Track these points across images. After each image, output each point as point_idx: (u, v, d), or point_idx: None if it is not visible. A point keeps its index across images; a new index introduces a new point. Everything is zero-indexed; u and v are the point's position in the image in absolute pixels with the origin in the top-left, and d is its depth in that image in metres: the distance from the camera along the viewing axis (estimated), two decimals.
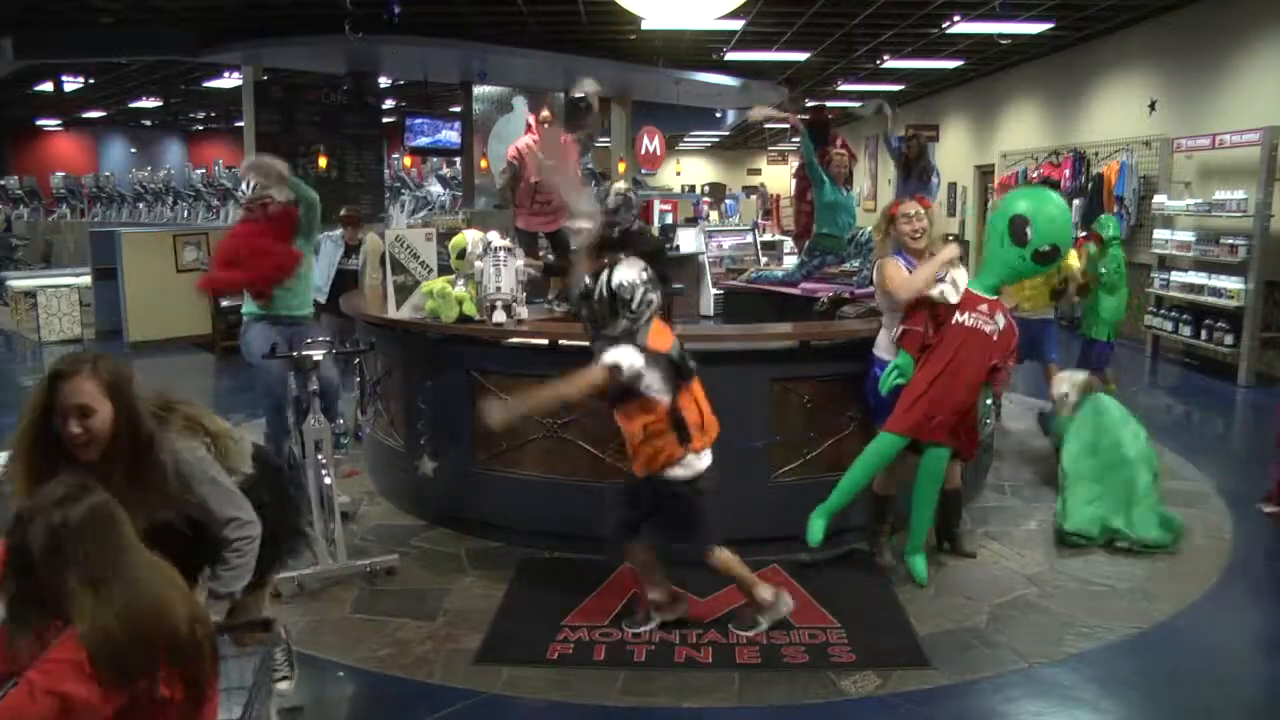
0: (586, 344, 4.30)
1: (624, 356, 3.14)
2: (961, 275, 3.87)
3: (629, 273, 3.18)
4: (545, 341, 4.31)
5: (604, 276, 3.19)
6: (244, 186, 4.71)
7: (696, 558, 3.37)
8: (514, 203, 6.29)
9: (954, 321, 3.80)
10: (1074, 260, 5.88)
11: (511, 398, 3.51)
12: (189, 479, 2.39)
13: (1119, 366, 6.67)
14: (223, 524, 2.45)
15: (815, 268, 5.74)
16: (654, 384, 3.18)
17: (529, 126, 6.16)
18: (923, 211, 4.03)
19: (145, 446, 2.25)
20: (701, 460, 3.29)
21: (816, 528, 3.90)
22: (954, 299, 3.81)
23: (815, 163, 5.51)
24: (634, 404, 3.21)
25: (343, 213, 7.07)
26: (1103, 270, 6.11)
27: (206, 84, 14.93)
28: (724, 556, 3.38)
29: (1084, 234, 9.90)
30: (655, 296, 3.23)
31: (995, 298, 3.88)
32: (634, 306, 3.17)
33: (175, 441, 2.39)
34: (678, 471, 3.25)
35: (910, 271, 3.95)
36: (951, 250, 3.91)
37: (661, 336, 3.26)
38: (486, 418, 3.33)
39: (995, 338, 3.82)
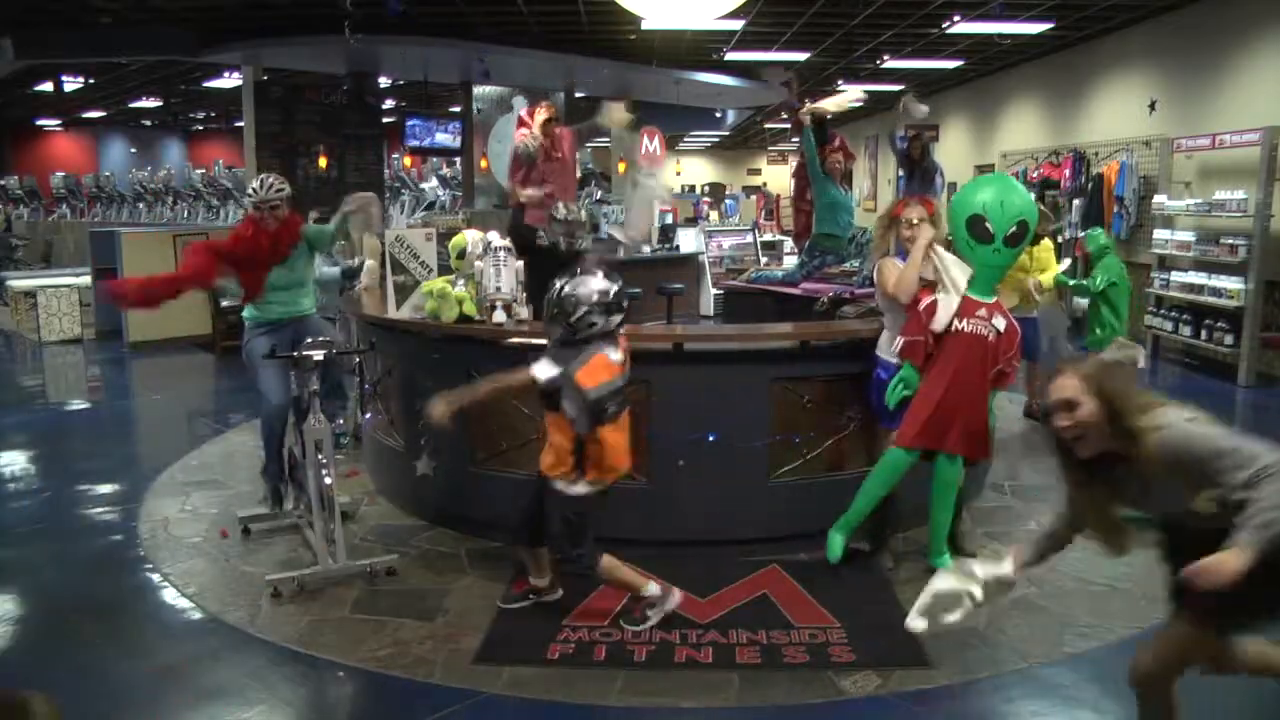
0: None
1: (539, 370, 3.26)
2: (954, 267, 3.86)
3: (583, 288, 3.24)
4: (545, 341, 4.30)
5: (561, 282, 3.27)
6: (255, 186, 4.52)
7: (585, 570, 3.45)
8: (514, 193, 6.26)
9: (953, 329, 3.78)
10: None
11: (451, 392, 3.47)
12: (1181, 449, 2.20)
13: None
14: (1240, 475, 2.12)
15: (815, 268, 5.74)
16: (570, 411, 3.22)
17: (521, 121, 6.09)
18: (927, 217, 3.99)
19: (1127, 437, 2.26)
20: (581, 488, 3.36)
21: (836, 543, 3.97)
22: (957, 295, 3.81)
23: (816, 161, 5.50)
24: (557, 415, 3.30)
25: (313, 216, 6.74)
26: (1090, 281, 6.10)
27: (206, 84, 14.94)
28: (607, 564, 3.45)
29: (1083, 234, 9.95)
30: (601, 321, 3.25)
31: (993, 300, 3.87)
32: (572, 320, 3.23)
33: (1161, 418, 2.24)
34: (561, 485, 3.36)
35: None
36: (926, 233, 3.88)
37: (594, 372, 3.20)
38: (430, 413, 3.34)
39: (996, 341, 3.81)
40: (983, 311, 3.80)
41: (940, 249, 3.91)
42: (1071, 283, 6.23)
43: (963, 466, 3.95)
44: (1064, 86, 11.85)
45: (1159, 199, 9.18)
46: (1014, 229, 3.74)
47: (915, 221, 3.96)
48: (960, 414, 3.79)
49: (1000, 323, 3.83)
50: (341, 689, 3.26)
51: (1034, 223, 3.89)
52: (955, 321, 3.78)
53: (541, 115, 5.96)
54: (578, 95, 14.32)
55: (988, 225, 3.72)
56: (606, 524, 4.11)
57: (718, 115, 18.59)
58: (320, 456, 3.97)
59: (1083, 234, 6.67)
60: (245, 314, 4.69)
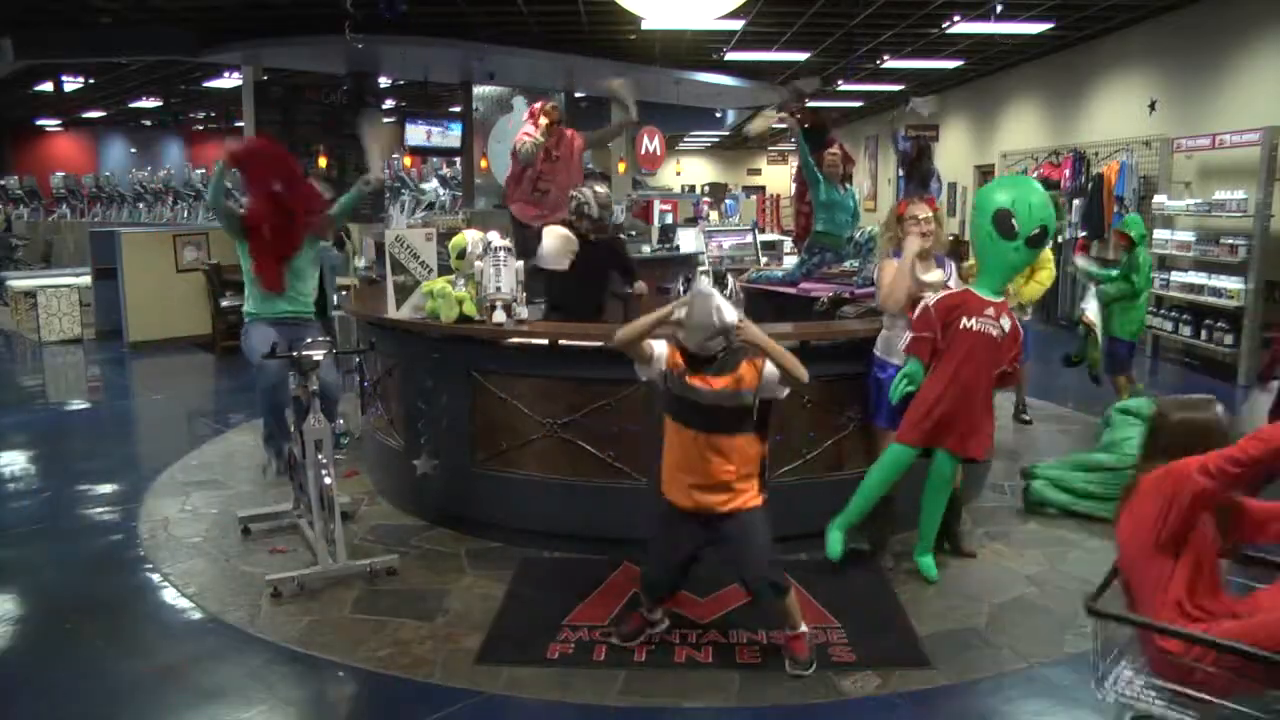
0: (584, 345, 4.32)
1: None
2: (934, 275, 3.91)
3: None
4: (545, 341, 4.31)
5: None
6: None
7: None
8: (510, 190, 6.26)
9: (961, 327, 3.77)
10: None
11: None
12: None
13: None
14: None
15: (815, 266, 5.73)
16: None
17: (532, 112, 6.07)
18: (931, 215, 4.02)
19: None
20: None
21: (835, 540, 3.97)
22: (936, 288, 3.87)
23: (810, 163, 5.52)
24: (753, 434, 3.26)
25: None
26: (1134, 277, 6.09)
27: (206, 84, 14.92)
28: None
29: (1083, 234, 9.96)
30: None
31: (1001, 300, 3.87)
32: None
33: None
34: (756, 504, 3.25)
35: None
36: (913, 244, 3.92)
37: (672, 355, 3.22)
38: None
39: (1001, 341, 3.82)
40: (990, 311, 3.80)
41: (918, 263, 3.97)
42: (1108, 285, 6.19)
43: (960, 465, 3.95)
44: (1064, 86, 11.85)
45: (1159, 199, 9.18)
46: (1037, 231, 3.76)
47: (921, 218, 3.98)
48: (963, 413, 3.79)
49: (1006, 323, 3.83)
50: (341, 689, 3.26)
51: (1053, 230, 3.92)
52: (964, 320, 3.77)
53: (544, 120, 5.95)
54: (578, 95, 14.31)
55: (1014, 222, 3.72)
56: (608, 525, 4.14)
57: (718, 115, 18.58)
58: (320, 456, 3.96)
59: (1118, 225, 6.61)
60: (246, 309, 4.70)
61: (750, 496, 3.19)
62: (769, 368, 3.11)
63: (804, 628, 3.27)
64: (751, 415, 3.15)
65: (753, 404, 3.14)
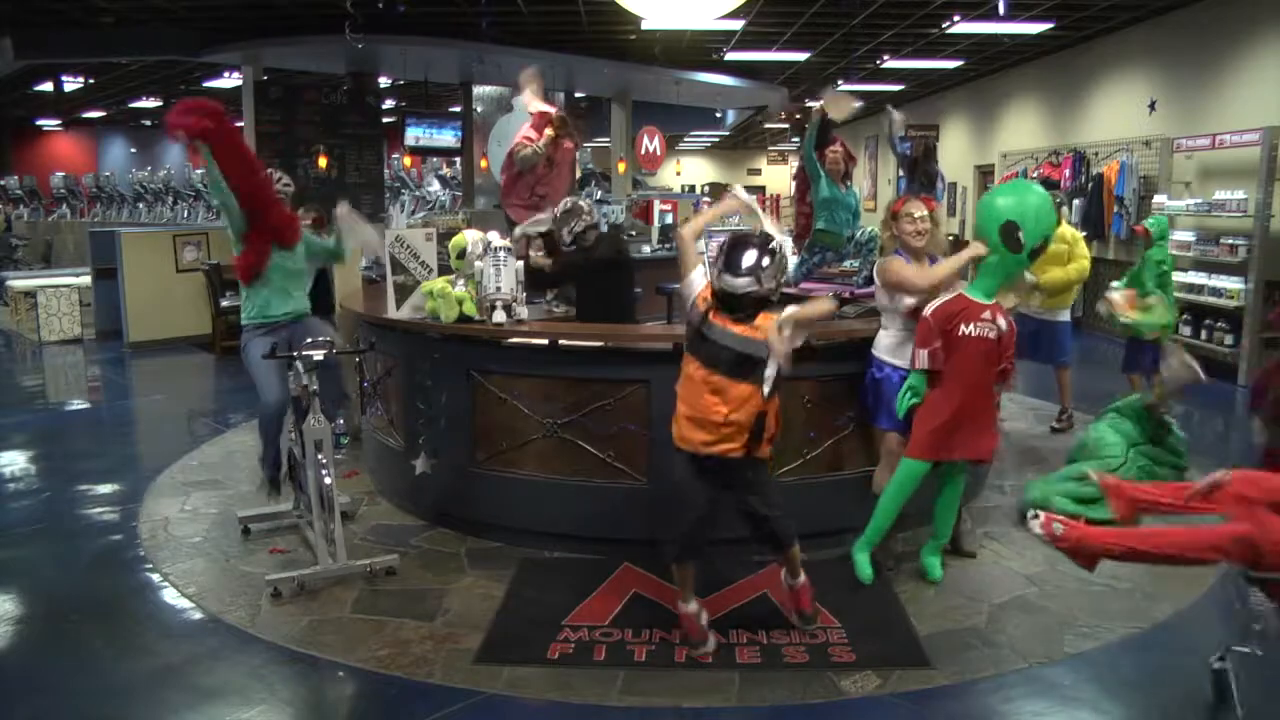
0: (584, 344, 4.33)
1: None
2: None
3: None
4: (545, 341, 4.31)
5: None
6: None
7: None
8: (507, 191, 6.25)
9: (960, 334, 3.75)
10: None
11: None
12: None
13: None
14: None
15: (815, 265, 5.72)
16: (770, 374, 3.15)
17: (542, 116, 6.01)
18: (927, 213, 4.00)
19: None
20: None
21: (862, 563, 3.98)
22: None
23: (813, 157, 5.51)
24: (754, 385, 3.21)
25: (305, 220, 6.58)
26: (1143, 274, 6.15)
27: (206, 84, 14.93)
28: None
29: (1083, 234, 9.95)
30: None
31: (994, 302, 3.87)
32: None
33: None
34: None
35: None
36: (978, 248, 3.88)
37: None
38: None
39: (998, 340, 3.81)
40: (986, 314, 3.79)
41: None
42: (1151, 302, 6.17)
43: (967, 467, 3.97)
44: (1064, 86, 11.85)
45: (1159, 199, 9.17)
46: (1040, 243, 3.77)
47: (916, 216, 3.97)
48: (970, 419, 3.78)
49: (1002, 323, 3.83)
50: (341, 689, 3.26)
51: (1052, 238, 3.95)
52: (963, 326, 3.76)
53: (549, 132, 5.92)
54: (577, 95, 14.31)
55: (1020, 236, 3.71)
56: (608, 525, 4.14)
57: (718, 115, 18.59)
58: (320, 456, 3.97)
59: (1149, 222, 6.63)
60: (243, 316, 4.68)
61: (754, 449, 3.21)
62: (785, 317, 3.11)
63: (804, 576, 3.47)
64: (762, 365, 3.13)
65: (766, 355, 3.11)
